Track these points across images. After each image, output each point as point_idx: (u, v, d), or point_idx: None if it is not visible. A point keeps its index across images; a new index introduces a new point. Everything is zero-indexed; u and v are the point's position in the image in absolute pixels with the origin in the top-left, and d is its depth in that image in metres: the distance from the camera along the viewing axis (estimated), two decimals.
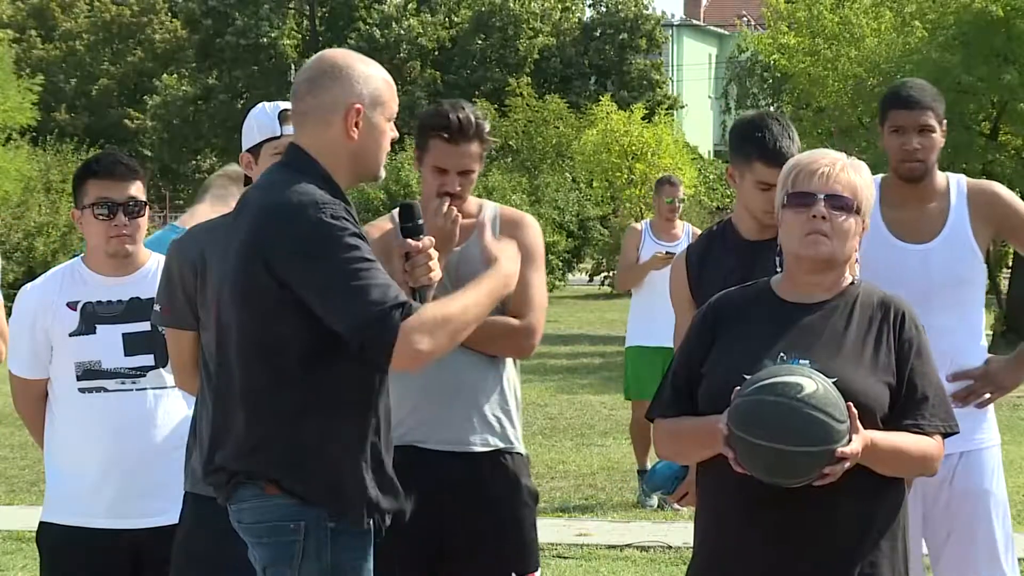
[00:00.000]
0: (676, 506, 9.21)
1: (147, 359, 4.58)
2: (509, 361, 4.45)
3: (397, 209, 3.95)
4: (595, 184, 32.95)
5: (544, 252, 4.50)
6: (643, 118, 32.97)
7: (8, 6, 51.45)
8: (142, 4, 52.87)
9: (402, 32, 48.25)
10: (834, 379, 3.36)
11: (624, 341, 10.30)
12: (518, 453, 4.44)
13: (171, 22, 53.05)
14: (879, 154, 22.42)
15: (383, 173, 3.66)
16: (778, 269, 3.67)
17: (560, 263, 32.58)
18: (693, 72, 57.31)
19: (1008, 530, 4.77)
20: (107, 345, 4.57)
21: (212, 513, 3.94)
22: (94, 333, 4.59)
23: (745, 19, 54.12)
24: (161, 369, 4.57)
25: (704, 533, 3.63)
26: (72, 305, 4.60)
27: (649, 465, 9.45)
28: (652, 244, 9.83)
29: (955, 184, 4.79)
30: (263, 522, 3.49)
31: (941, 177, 4.80)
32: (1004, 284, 22.66)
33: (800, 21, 25.59)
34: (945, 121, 4.81)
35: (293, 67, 46.66)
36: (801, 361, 3.43)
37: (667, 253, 9.47)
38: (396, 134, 3.66)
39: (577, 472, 10.73)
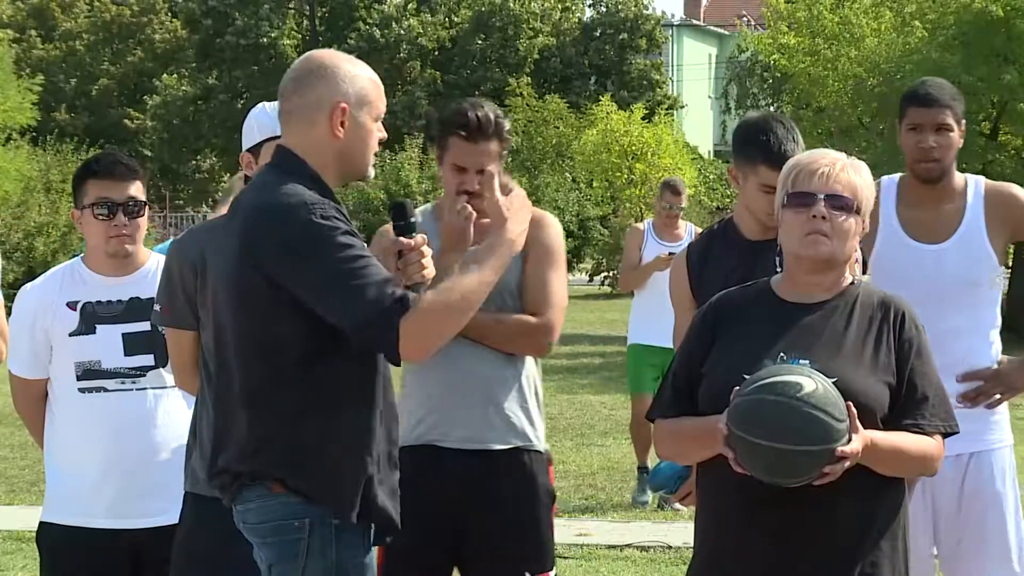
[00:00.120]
0: (677, 506, 9.21)
1: (147, 359, 4.58)
2: (529, 359, 4.45)
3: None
4: (595, 184, 32.96)
5: (564, 250, 4.51)
6: (643, 118, 32.97)
7: (8, 6, 51.45)
8: (142, 4, 52.88)
9: (402, 32, 48.26)
10: (834, 379, 3.36)
11: (625, 341, 10.31)
12: (537, 451, 4.43)
13: (171, 22, 53.06)
14: (879, 154, 22.45)
15: (372, 172, 3.67)
16: (778, 269, 3.66)
17: None
18: (693, 72, 57.31)
19: (1021, 531, 4.74)
20: (107, 345, 4.57)
21: (212, 513, 3.94)
22: (94, 333, 4.59)
23: (745, 19, 54.12)
24: (161, 369, 4.58)
25: (704, 533, 3.63)
26: (72, 305, 4.60)
27: (649, 464, 9.48)
28: (655, 244, 9.82)
29: (973, 185, 4.76)
30: (268, 521, 3.49)
31: (959, 177, 4.77)
32: (1005, 284, 22.67)
33: (800, 21, 25.59)
34: (964, 121, 4.79)
35: None
36: (801, 361, 3.43)
37: (670, 254, 9.46)
38: (384, 134, 3.66)
39: (577, 472, 10.73)
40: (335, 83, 3.56)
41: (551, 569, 4.43)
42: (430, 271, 3.70)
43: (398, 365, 3.50)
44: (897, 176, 4.82)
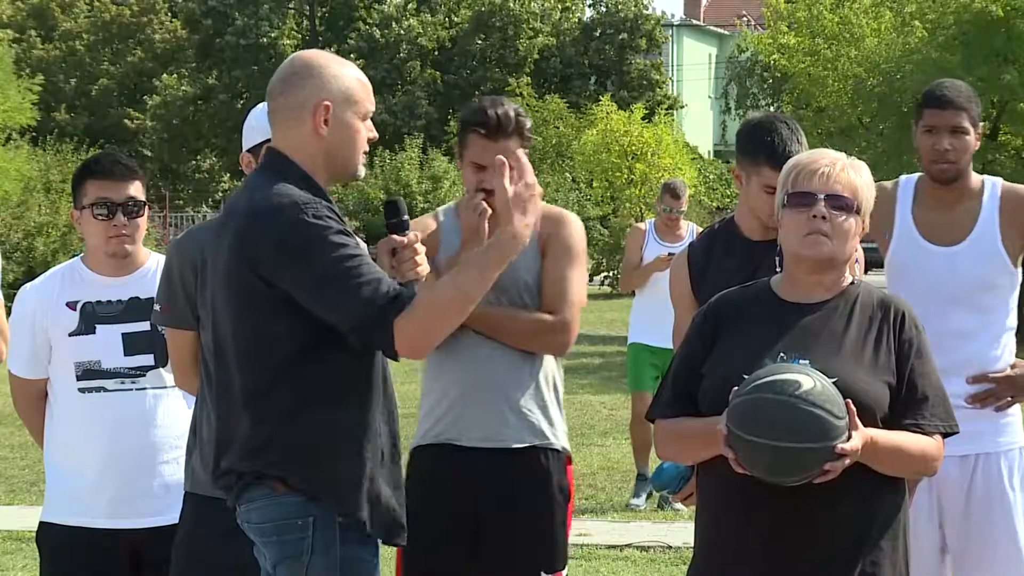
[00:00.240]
0: (677, 506, 9.21)
1: (147, 359, 4.58)
2: (548, 357, 4.45)
3: (443, 210, 3.96)
4: (595, 184, 32.96)
5: (585, 249, 4.51)
6: (643, 118, 32.96)
7: (8, 6, 51.45)
8: (142, 4, 52.87)
9: (402, 32, 48.26)
10: (834, 379, 3.36)
11: (625, 340, 10.31)
12: (554, 449, 4.43)
13: (171, 22, 53.05)
14: (879, 154, 22.47)
15: (362, 171, 3.67)
16: (778, 269, 3.66)
17: None
18: (693, 72, 57.32)
19: None
20: (107, 345, 4.57)
21: (212, 513, 3.95)
22: (93, 333, 4.59)
23: (745, 19, 54.12)
24: (161, 369, 4.57)
25: (704, 533, 3.63)
26: (72, 305, 4.60)
27: (646, 469, 9.48)
28: (655, 245, 9.82)
29: (990, 187, 4.73)
30: (271, 521, 3.50)
31: (976, 179, 4.74)
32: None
33: (800, 21, 25.60)
34: (981, 124, 4.77)
35: None
36: (801, 361, 3.42)
37: (669, 255, 9.47)
38: (375, 134, 3.67)
39: (577, 472, 10.68)
40: (319, 82, 3.57)
41: (563, 568, 4.44)
42: (424, 268, 3.70)
43: (396, 360, 3.50)
44: (916, 176, 4.80)
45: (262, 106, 4.39)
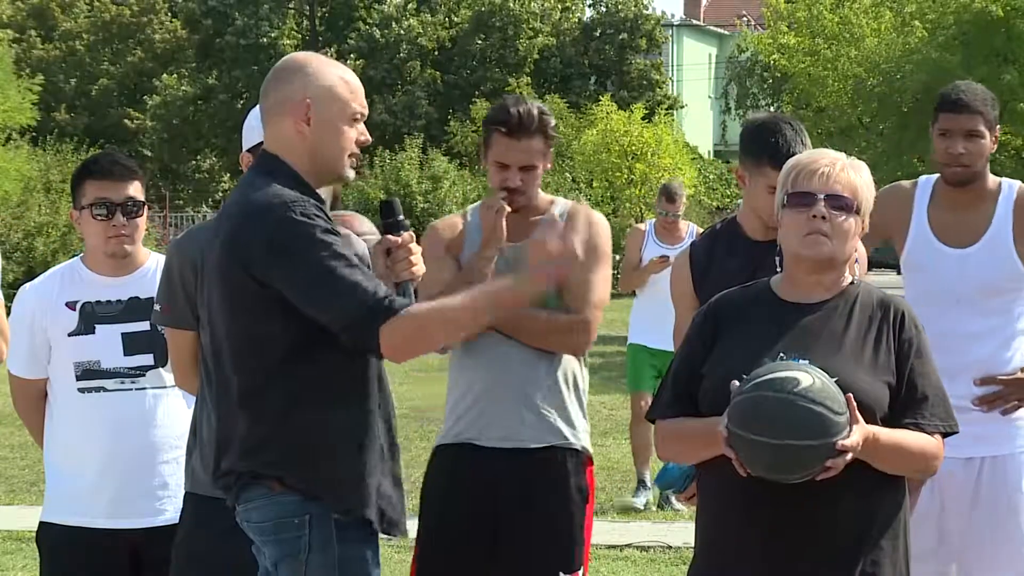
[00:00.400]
0: (677, 506, 9.22)
1: (146, 359, 4.58)
2: (569, 356, 4.44)
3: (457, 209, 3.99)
4: (595, 184, 32.96)
5: (610, 250, 4.50)
6: (643, 118, 32.96)
7: (8, 6, 51.43)
8: (142, 4, 52.84)
9: (402, 32, 48.23)
10: (834, 379, 3.36)
11: (624, 340, 10.31)
12: (572, 449, 4.44)
13: (171, 22, 53.02)
14: (879, 154, 22.48)
15: (349, 174, 3.65)
16: (778, 269, 3.66)
17: None
18: (693, 72, 57.31)
19: None
20: (106, 345, 4.57)
21: (212, 513, 3.95)
22: (93, 333, 4.59)
23: (745, 19, 54.14)
24: (160, 369, 4.57)
25: (705, 532, 3.63)
26: (71, 305, 4.60)
27: (647, 474, 9.49)
28: (654, 246, 9.82)
29: (1006, 190, 4.73)
30: (269, 520, 3.51)
31: (993, 181, 4.74)
32: None
33: (800, 21, 25.62)
34: (998, 127, 4.76)
35: None
36: (801, 361, 3.42)
37: (662, 257, 9.49)
38: (366, 136, 3.65)
39: None
40: (300, 81, 3.58)
41: (580, 568, 4.44)
42: (419, 268, 3.71)
43: (380, 360, 3.52)
44: (934, 177, 4.80)
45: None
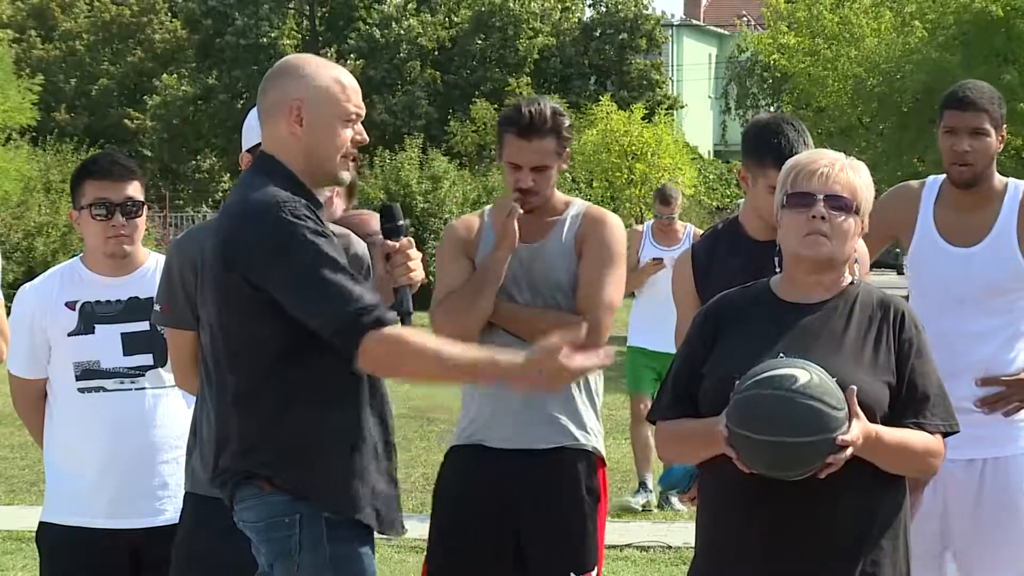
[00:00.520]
0: (678, 506, 9.22)
1: (146, 359, 4.58)
2: None
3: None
4: (595, 184, 32.99)
5: (624, 251, 4.49)
6: (643, 118, 32.99)
7: (8, 6, 51.43)
8: (142, 4, 52.84)
9: (402, 32, 48.23)
10: (834, 379, 3.36)
11: (623, 340, 10.31)
12: (583, 450, 4.43)
13: (171, 22, 53.02)
14: (879, 154, 22.47)
15: (345, 176, 3.64)
16: (777, 269, 3.66)
17: None
18: (693, 72, 57.32)
19: None
20: (106, 345, 4.57)
21: (212, 513, 3.95)
22: (93, 333, 4.59)
23: (745, 19, 54.15)
24: (160, 369, 4.57)
25: (705, 533, 3.63)
26: (71, 305, 4.60)
27: (648, 476, 9.49)
28: (651, 248, 9.83)
29: (1012, 190, 4.72)
30: (262, 520, 3.53)
31: (1000, 181, 4.73)
32: None
33: (800, 21, 25.63)
34: (1005, 126, 4.74)
35: None
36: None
37: (655, 259, 9.51)
38: (362, 136, 3.64)
39: None
40: (294, 82, 3.59)
41: (593, 568, 4.44)
42: (417, 274, 3.71)
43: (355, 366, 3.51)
44: (942, 177, 4.79)
45: None
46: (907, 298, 4.55)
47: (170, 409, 4.60)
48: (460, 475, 4.48)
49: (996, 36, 20.99)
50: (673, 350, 3.95)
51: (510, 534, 4.38)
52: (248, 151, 4.31)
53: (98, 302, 4.61)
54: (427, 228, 30.10)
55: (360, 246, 4.25)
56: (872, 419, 3.40)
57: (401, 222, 3.76)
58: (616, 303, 4.43)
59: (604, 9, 51.03)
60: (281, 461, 3.49)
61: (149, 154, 49.54)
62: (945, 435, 3.54)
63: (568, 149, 4.47)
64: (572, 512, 4.40)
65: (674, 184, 13.69)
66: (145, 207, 4.66)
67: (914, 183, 4.90)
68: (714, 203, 37.75)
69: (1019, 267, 4.67)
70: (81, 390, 4.58)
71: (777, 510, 3.42)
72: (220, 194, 49.80)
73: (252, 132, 4.31)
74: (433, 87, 48.46)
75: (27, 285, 4.76)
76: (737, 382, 3.36)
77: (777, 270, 3.66)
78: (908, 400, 3.49)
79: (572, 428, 4.42)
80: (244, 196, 3.53)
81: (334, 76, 3.61)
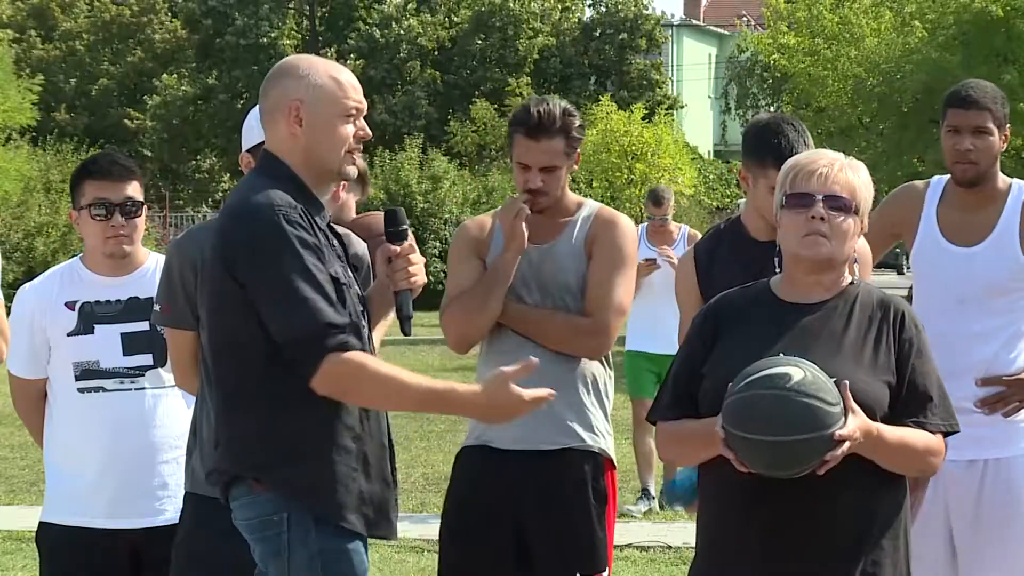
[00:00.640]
0: (678, 507, 9.20)
1: (146, 359, 4.58)
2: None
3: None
4: (595, 184, 32.99)
5: (635, 254, 4.48)
6: (643, 118, 32.99)
7: (8, 6, 51.44)
8: (142, 4, 52.85)
9: (402, 32, 48.23)
10: (834, 379, 3.36)
11: (622, 341, 10.29)
12: (590, 452, 4.43)
13: (171, 22, 53.03)
14: (879, 154, 22.47)
15: (351, 171, 3.65)
16: (777, 270, 3.66)
17: None
18: (693, 72, 57.32)
19: None
20: (105, 345, 4.57)
21: (212, 513, 3.95)
22: (92, 333, 4.58)
23: (745, 19, 54.15)
24: (160, 369, 4.57)
25: (705, 533, 3.63)
26: (70, 305, 4.60)
27: (651, 482, 9.48)
28: (645, 249, 9.82)
29: (1015, 190, 4.71)
30: (253, 518, 3.54)
31: (1004, 181, 4.73)
32: None
33: (800, 21, 25.64)
34: (1008, 125, 4.73)
35: None
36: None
37: (647, 260, 9.50)
38: (365, 132, 3.64)
39: None
40: (290, 82, 3.60)
41: (603, 570, 4.43)
42: (418, 279, 3.71)
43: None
44: (947, 177, 4.79)
45: None
46: (908, 298, 4.55)
47: (170, 409, 4.60)
48: (468, 476, 4.49)
49: (996, 36, 21.00)
50: (672, 351, 3.95)
51: (518, 534, 4.39)
52: (248, 151, 4.31)
53: (98, 302, 4.61)
54: (427, 228, 30.12)
55: (360, 246, 4.25)
56: (872, 419, 3.39)
57: (404, 226, 3.76)
58: (625, 306, 4.41)
59: (604, 9, 51.04)
60: (267, 462, 3.50)
61: (149, 154, 49.56)
62: (946, 435, 3.54)
63: (578, 150, 4.46)
64: (578, 513, 4.40)
65: (673, 184, 13.65)
66: (144, 207, 4.66)
67: (919, 183, 4.90)
68: (714, 203, 37.75)
69: (1021, 267, 4.66)
70: (81, 390, 4.58)
71: (777, 510, 3.42)
72: (220, 194, 49.79)
73: (252, 132, 4.31)
74: (433, 87, 48.47)
75: (27, 285, 4.76)
76: (731, 383, 3.36)
77: (777, 270, 3.66)
78: (908, 400, 3.49)
79: (580, 430, 4.41)
80: (244, 197, 3.54)
81: (331, 74, 3.62)
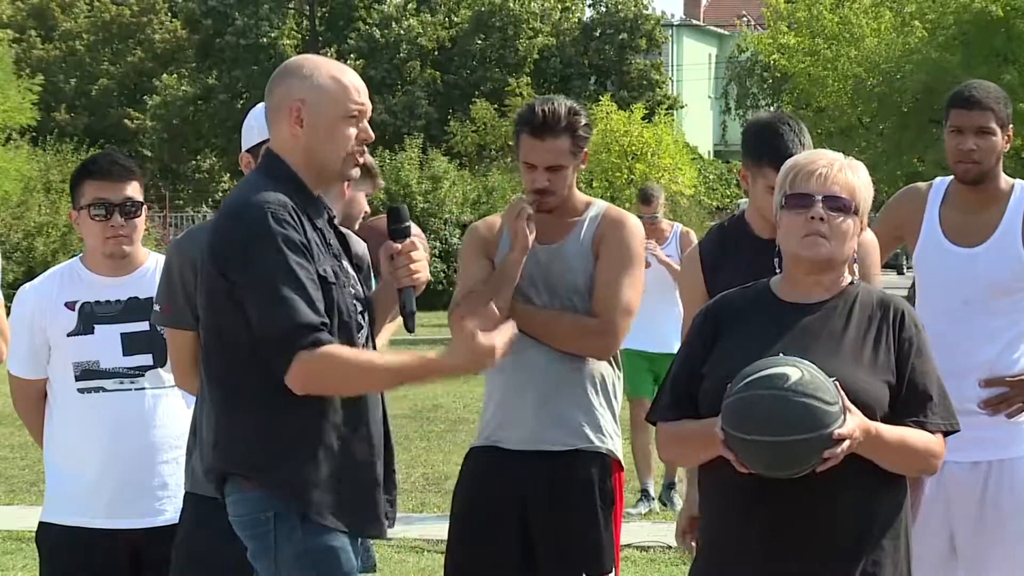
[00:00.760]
0: (679, 506, 9.20)
1: (146, 359, 4.58)
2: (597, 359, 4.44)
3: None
4: (595, 184, 32.98)
5: (642, 254, 4.48)
6: (643, 118, 32.99)
7: (8, 6, 51.44)
8: (142, 4, 52.84)
9: (402, 32, 48.23)
10: (833, 379, 3.36)
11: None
12: (597, 453, 4.43)
13: (171, 22, 53.02)
14: (879, 154, 22.48)
15: (353, 172, 3.65)
16: (777, 270, 3.66)
17: None
18: (693, 72, 57.32)
19: None
20: (105, 345, 4.57)
21: (212, 513, 3.95)
22: (92, 333, 4.58)
23: (745, 19, 54.15)
24: (160, 369, 4.57)
25: (705, 533, 3.64)
26: (70, 305, 4.60)
27: (651, 483, 9.47)
28: None
29: (1018, 191, 4.71)
30: (244, 515, 3.56)
31: (1006, 182, 4.72)
32: None
33: (800, 21, 25.65)
34: (1011, 126, 4.73)
35: None
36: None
37: None
38: (368, 134, 3.64)
39: None
40: (294, 82, 3.60)
41: (610, 570, 4.43)
42: (421, 276, 3.71)
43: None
44: (949, 178, 4.79)
45: (261, 106, 4.38)
46: (908, 298, 4.55)
47: (170, 409, 4.60)
48: (476, 476, 4.50)
49: (996, 36, 21.01)
50: (668, 350, 3.95)
51: (525, 535, 4.39)
52: (248, 151, 4.31)
53: (98, 302, 4.61)
54: (427, 228, 30.11)
55: (359, 246, 4.25)
56: (872, 419, 3.39)
57: (407, 223, 3.77)
58: (633, 306, 4.40)
59: (604, 9, 51.04)
60: (255, 460, 3.52)
61: (149, 154, 49.55)
62: (946, 434, 3.54)
63: (585, 149, 4.45)
64: (584, 514, 4.40)
65: (673, 184, 13.65)
66: (144, 207, 4.66)
67: (922, 185, 4.90)
68: (714, 203, 37.75)
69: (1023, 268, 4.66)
70: (81, 390, 4.58)
71: (777, 510, 3.42)
72: (220, 194, 49.76)
73: (252, 132, 4.32)
74: (433, 87, 48.46)
75: (27, 285, 4.76)
76: (729, 384, 3.36)
77: (777, 270, 3.66)
78: (908, 399, 3.49)
79: (587, 431, 4.41)
80: (239, 196, 3.56)
81: (333, 75, 3.61)
